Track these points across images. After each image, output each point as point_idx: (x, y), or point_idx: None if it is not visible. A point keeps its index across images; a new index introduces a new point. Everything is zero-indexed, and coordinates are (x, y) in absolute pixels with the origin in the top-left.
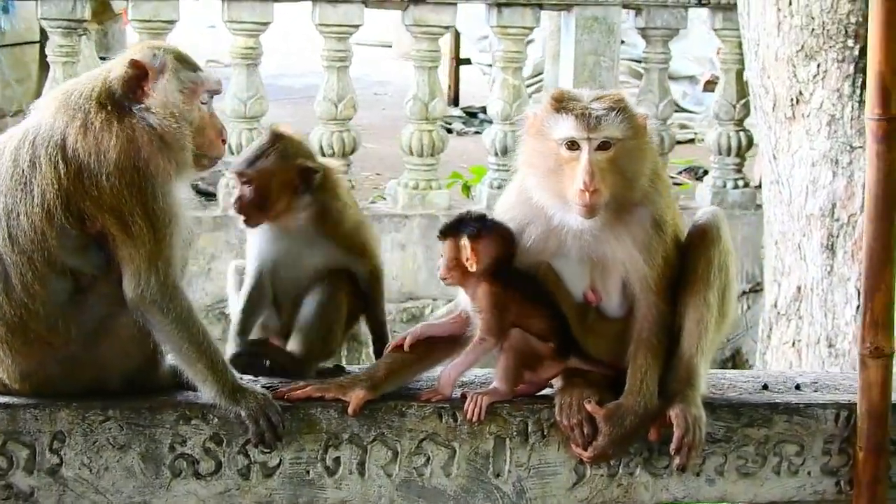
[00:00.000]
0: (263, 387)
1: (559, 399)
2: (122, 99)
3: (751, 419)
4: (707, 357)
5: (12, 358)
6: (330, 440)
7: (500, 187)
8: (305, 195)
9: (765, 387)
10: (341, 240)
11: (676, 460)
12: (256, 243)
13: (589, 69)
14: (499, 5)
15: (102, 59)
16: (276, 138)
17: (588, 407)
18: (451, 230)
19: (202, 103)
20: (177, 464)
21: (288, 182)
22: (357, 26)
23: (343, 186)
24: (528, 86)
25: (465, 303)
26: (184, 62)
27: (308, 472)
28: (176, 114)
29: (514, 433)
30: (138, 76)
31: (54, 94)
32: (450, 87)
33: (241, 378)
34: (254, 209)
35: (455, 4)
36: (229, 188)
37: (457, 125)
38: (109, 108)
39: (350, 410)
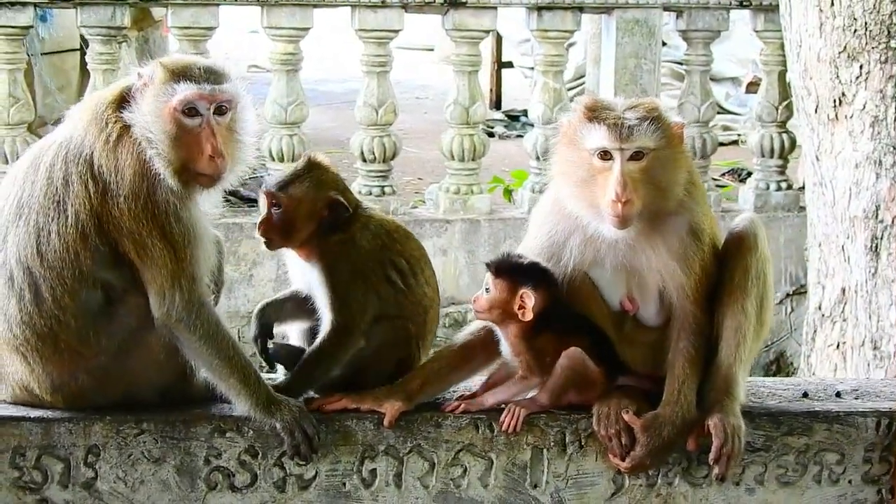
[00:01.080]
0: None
1: (597, 409)
2: (129, 109)
3: (791, 428)
4: (745, 366)
5: (43, 367)
6: (366, 452)
7: (541, 191)
8: (332, 230)
9: (805, 395)
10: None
11: (715, 470)
12: (291, 268)
13: (630, 72)
14: (539, 9)
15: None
16: (313, 166)
17: (626, 417)
18: (509, 273)
19: (185, 115)
20: (212, 477)
21: (315, 212)
22: (397, 31)
23: (374, 235)
24: (569, 89)
25: (503, 344)
26: (173, 73)
27: (344, 483)
28: (150, 126)
29: (552, 443)
30: (144, 86)
31: (86, 104)
32: (491, 90)
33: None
34: (276, 233)
35: (495, 8)
36: None
37: (498, 129)
38: (123, 118)
39: (386, 422)
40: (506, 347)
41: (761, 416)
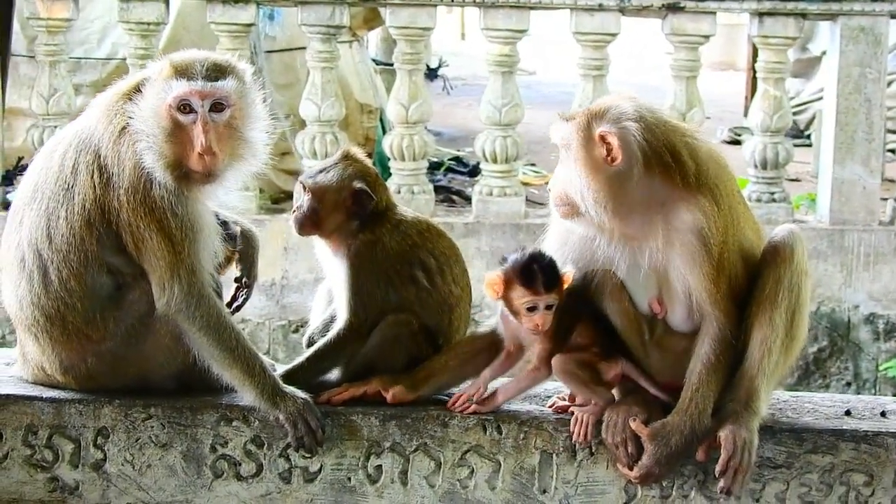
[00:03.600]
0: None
1: (606, 416)
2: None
3: (815, 445)
4: (770, 380)
5: (53, 348)
6: (372, 447)
7: (758, 200)
8: (362, 224)
9: (847, 413)
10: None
11: (721, 483)
12: (321, 257)
13: (854, 80)
14: (760, 15)
15: (381, 63)
16: (344, 158)
17: (632, 425)
18: (558, 275)
19: (179, 112)
20: (218, 464)
21: (341, 202)
22: (614, 35)
23: (404, 235)
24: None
25: (513, 334)
26: (176, 69)
27: (349, 478)
28: (146, 120)
29: (561, 449)
30: (150, 80)
31: (104, 95)
32: (746, 97)
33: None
34: (307, 220)
35: (714, 13)
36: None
37: (745, 136)
38: (128, 113)
39: (389, 396)
40: (524, 335)
41: (783, 432)
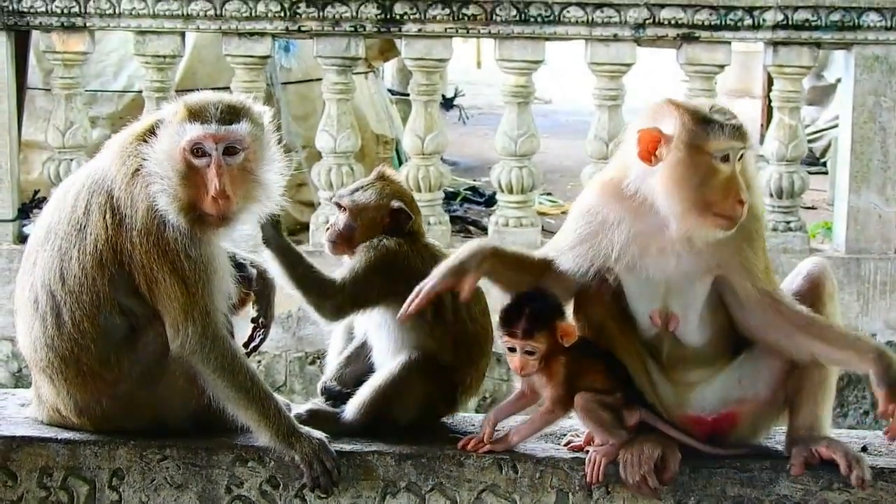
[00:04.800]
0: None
1: (621, 456)
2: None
3: (830, 482)
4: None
5: (67, 390)
6: (387, 487)
7: (774, 229)
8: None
9: (864, 449)
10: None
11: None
12: None
13: (868, 109)
14: (775, 44)
15: (396, 93)
16: (380, 177)
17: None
18: (541, 321)
19: (193, 155)
20: None
21: (378, 220)
22: (629, 65)
23: (426, 260)
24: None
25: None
26: (190, 112)
27: None
28: (160, 163)
29: (577, 487)
30: (165, 122)
31: (119, 136)
32: (762, 125)
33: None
34: (342, 239)
35: (729, 43)
36: (318, 221)
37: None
38: (142, 155)
39: None
40: (537, 380)
41: None
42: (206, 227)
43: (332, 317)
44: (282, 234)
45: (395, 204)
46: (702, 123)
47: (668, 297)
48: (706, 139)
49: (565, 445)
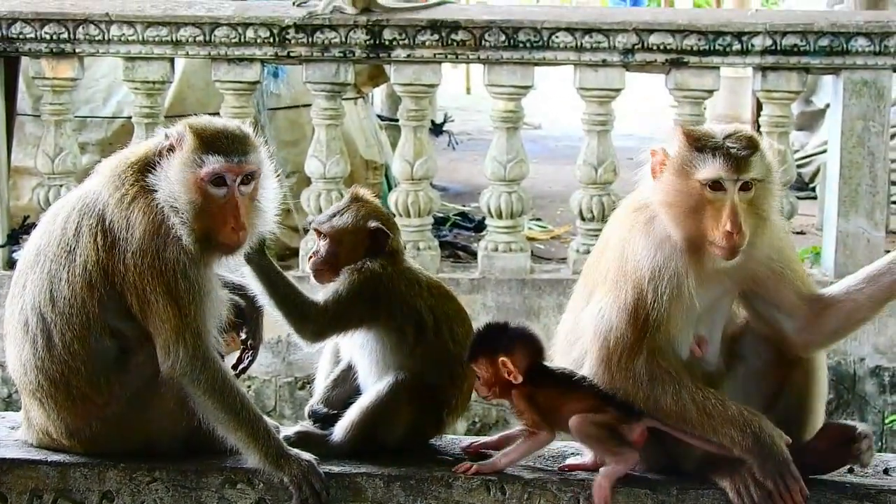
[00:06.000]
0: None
1: (730, 485)
2: (153, 171)
3: (817, 503)
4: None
5: (58, 413)
6: None
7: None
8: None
9: (850, 470)
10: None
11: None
12: None
13: (857, 134)
14: (763, 69)
15: (386, 119)
16: (354, 200)
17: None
18: (480, 350)
19: (213, 185)
20: None
21: (359, 242)
22: (618, 90)
23: (409, 282)
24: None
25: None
26: (203, 142)
27: None
28: (175, 192)
29: None
30: (170, 149)
31: (108, 161)
32: None
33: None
34: (326, 265)
35: (717, 68)
36: (308, 247)
37: None
38: (144, 179)
39: None
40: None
41: None
42: (214, 253)
43: (312, 339)
44: (265, 253)
45: (372, 224)
46: (693, 149)
47: (700, 320)
48: (693, 165)
49: (562, 468)
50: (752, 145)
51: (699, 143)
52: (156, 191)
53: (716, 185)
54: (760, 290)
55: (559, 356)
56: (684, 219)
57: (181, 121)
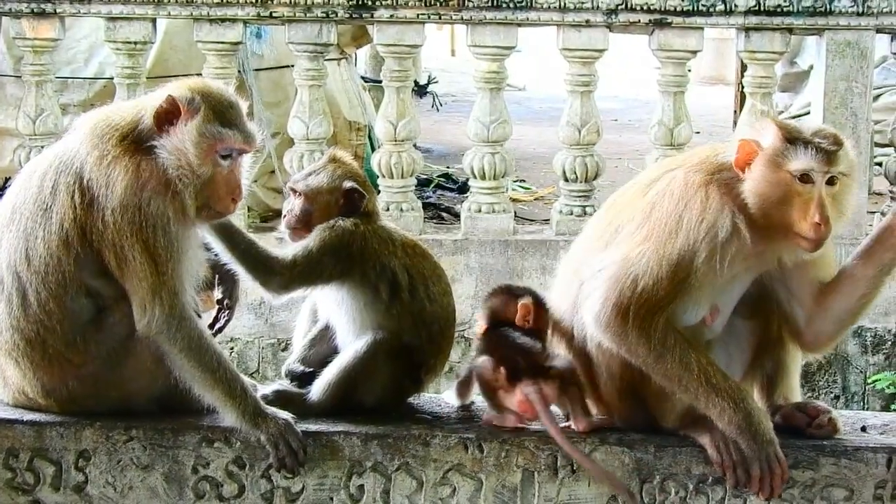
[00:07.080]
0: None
1: (709, 441)
2: (147, 132)
3: (795, 460)
4: None
5: (34, 372)
6: (353, 467)
7: None
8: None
9: (863, 429)
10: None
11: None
12: None
13: (840, 95)
14: (747, 30)
15: (369, 80)
16: (332, 160)
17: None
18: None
19: (222, 158)
20: (200, 486)
21: (333, 202)
22: (601, 51)
23: (382, 241)
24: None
25: None
26: (218, 114)
27: (332, 498)
28: (186, 161)
29: (543, 466)
30: (169, 112)
31: (88, 119)
32: (735, 111)
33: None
34: (300, 223)
35: (701, 29)
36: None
37: None
38: (129, 140)
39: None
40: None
41: None
42: (201, 217)
43: (278, 291)
44: None
45: (348, 184)
46: (786, 141)
47: (723, 290)
48: (786, 157)
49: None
50: (838, 142)
51: (791, 136)
52: (143, 152)
53: (805, 177)
54: (785, 274)
55: (561, 287)
56: (772, 209)
57: (173, 82)
